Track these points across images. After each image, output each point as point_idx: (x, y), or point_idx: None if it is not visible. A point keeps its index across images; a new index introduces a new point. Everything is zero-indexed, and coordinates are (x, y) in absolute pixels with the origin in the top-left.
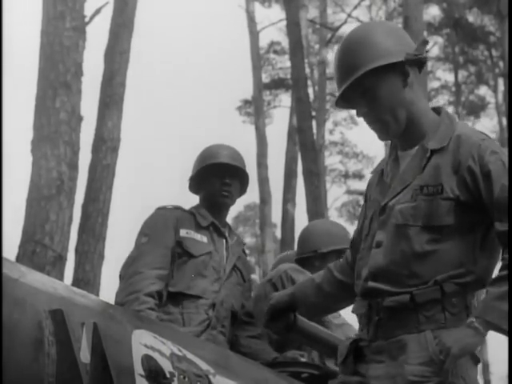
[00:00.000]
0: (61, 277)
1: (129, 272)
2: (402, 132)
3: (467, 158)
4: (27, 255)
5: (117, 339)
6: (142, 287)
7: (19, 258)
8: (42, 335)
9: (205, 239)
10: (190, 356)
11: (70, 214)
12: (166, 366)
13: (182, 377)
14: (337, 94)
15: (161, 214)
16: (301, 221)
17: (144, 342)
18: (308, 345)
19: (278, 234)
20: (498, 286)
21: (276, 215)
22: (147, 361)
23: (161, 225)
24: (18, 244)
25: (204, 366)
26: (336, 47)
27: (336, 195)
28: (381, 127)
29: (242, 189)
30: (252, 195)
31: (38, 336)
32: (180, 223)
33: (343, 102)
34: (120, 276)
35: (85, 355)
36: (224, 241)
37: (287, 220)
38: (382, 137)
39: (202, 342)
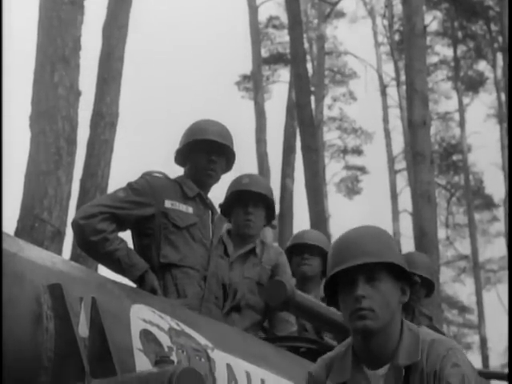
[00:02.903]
0: (59, 252)
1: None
2: (378, 330)
3: (432, 369)
4: (26, 230)
5: (115, 314)
6: (106, 227)
7: (18, 233)
8: (40, 310)
9: (190, 210)
10: (188, 330)
11: (68, 189)
12: (165, 340)
13: (180, 351)
14: (344, 266)
15: (146, 180)
16: (299, 196)
17: (142, 317)
18: (306, 319)
19: (277, 208)
20: None
21: (274, 190)
22: (145, 335)
23: (143, 190)
24: (17, 219)
25: (202, 340)
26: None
27: (334, 170)
28: (368, 315)
29: (228, 166)
30: (251, 170)
31: (36, 310)
32: (165, 193)
33: (338, 275)
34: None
35: (83, 330)
36: (210, 212)
37: (286, 195)
38: (363, 323)
39: (200, 317)
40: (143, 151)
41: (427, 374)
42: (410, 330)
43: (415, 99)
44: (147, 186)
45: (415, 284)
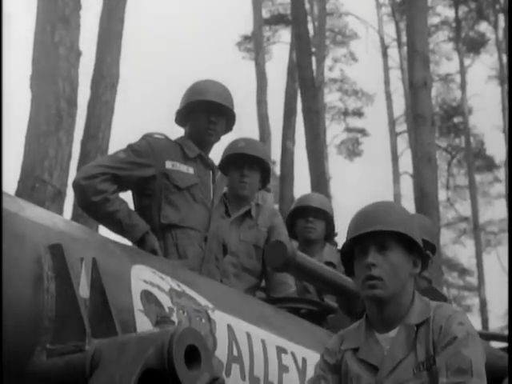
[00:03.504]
0: (60, 212)
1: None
2: (386, 299)
3: (438, 325)
4: (26, 191)
5: (116, 274)
6: (107, 187)
7: (18, 194)
8: (41, 270)
9: (191, 171)
10: (188, 291)
11: (69, 150)
12: (165, 301)
13: (181, 312)
14: (357, 233)
15: (147, 141)
16: (300, 158)
17: (143, 278)
18: (306, 280)
19: (278, 171)
20: None
21: (275, 152)
22: (146, 296)
23: (143, 151)
24: (18, 179)
25: (203, 301)
26: None
27: (335, 133)
28: (377, 284)
29: (228, 127)
30: (251, 132)
31: (37, 271)
32: (166, 154)
33: (354, 243)
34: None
35: (84, 290)
36: (211, 172)
37: (286, 157)
38: (372, 292)
39: (201, 278)
40: (144, 113)
41: (433, 329)
42: (420, 299)
43: (416, 60)
44: (148, 148)
45: (428, 258)
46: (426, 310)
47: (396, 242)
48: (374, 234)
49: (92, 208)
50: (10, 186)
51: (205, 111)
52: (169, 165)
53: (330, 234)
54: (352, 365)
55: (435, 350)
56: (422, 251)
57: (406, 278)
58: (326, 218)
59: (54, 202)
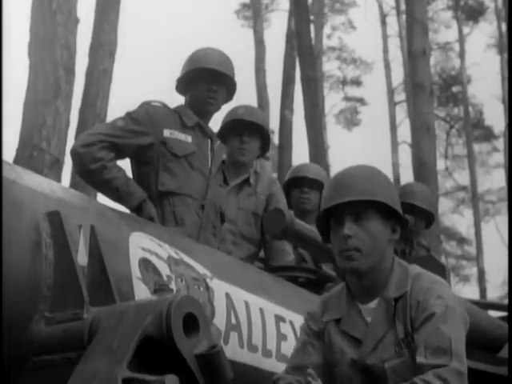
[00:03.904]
0: (58, 181)
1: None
2: (365, 270)
3: (416, 300)
4: (24, 159)
5: (114, 242)
6: (105, 155)
7: (16, 162)
8: (39, 237)
9: (189, 139)
10: (187, 259)
11: (67, 119)
12: (164, 269)
13: (179, 280)
14: (332, 203)
15: (145, 109)
16: (298, 127)
17: (141, 245)
18: (304, 248)
19: (276, 140)
20: None
21: (274, 121)
22: (144, 264)
23: (141, 119)
24: (16, 148)
25: (201, 269)
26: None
27: (333, 102)
28: (354, 255)
29: (229, 95)
30: (250, 101)
31: (35, 238)
32: (164, 123)
33: (329, 213)
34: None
35: (82, 258)
36: (209, 141)
37: (285, 126)
38: (349, 264)
39: (199, 246)
40: (143, 81)
41: (411, 304)
42: (400, 265)
43: (415, 28)
44: (146, 116)
45: (407, 223)
46: (405, 279)
47: (373, 210)
48: (350, 204)
49: (89, 175)
50: (8, 154)
51: (205, 79)
52: (167, 133)
53: None
54: (335, 337)
55: (413, 327)
56: (401, 216)
57: (385, 246)
58: (322, 188)
59: (52, 170)
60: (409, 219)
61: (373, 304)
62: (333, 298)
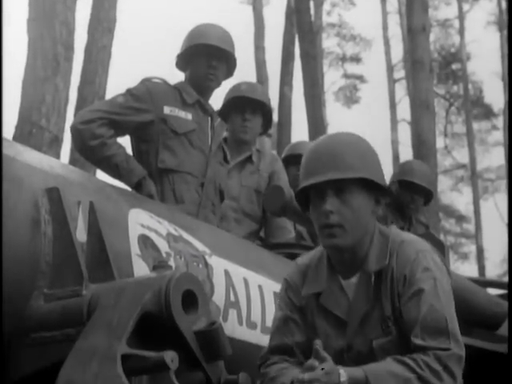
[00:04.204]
0: (57, 158)
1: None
2: (348, 247)
3: (402, 274)
4: (24, 136)
5: (113, 218)
6: (105, 132)
7: (15, 139)
8: (38, 214)
9: (189, 116)
10: (186, 236)
11: (66, 96)
12: (163, 245)
13: (178, 257)
14: (312, 180)
15: (145, 86)
16: (298, 104)
17: (140, 222)
18: (304, 225)
19: (275, 117)
20: (399, 364)
21: (273, 98)
22: (143, 241)
23: (142, 96)
24: (15, 125)
25: (200, 246)
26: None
27: (333, 79)
28: (337, 232)
29: (229, 71)
30: (249, 78)
31: (34, 215)
32: (164, 100)
33: (310, 188)
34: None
35: (81, 234)
36: (209, 118)
37: (284, 103)
38: (331, 241)
39: (198, 222)
40: (143, 58)
41: (397, 278)
42: (380, 234)
43: (415, 4)
44: (146, 92)
45: (391, 194)
46: (385, 250)
47: (354, 184)
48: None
49: (89, 152)
50: (7, 131)
51: (205, 55)
52: (167, 110)
53: None
54: (318, 319)
55: (400, 302)
56: (384, 188)
57: (369, 219)
58: None
59: (51, 147)
60: (392, 189)
61: (354, 279)
62: (312, 269)
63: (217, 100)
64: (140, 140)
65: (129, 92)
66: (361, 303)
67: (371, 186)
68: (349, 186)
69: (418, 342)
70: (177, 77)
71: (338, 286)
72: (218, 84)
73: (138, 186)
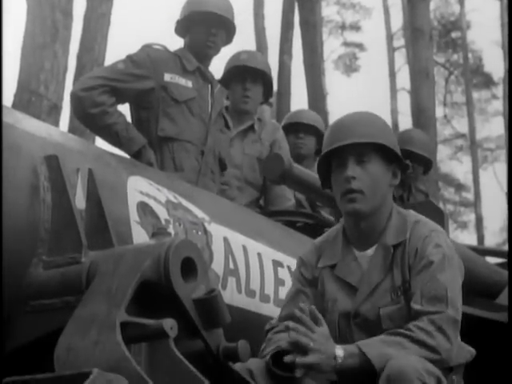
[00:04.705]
0: (56, 126)
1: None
2: (367, 213)
3: (414, 247)
4: (22, 104)
5: (112, 186)
6: (106, 100)
7: (14, 107)
8: (37, 181)
9: (189, 84)
10: (185, 203)
11: (64, 63)
12: (162, 213)
13: (177, 224)
14: (335, 145)
15: (146, 52)
16: (297, 73)
17: (139, 189)
18: (303, 193)
19: (275, 86)
20: (392, 335)
21: (272, 67)
22: (143, 208)
23: (142, 62)
24: (14, 93)
25: (199, 213)
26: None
27: (332, 47)
28: (357, 197)
29: (228, 38)
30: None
31: (33, 182)
32: (165, 66)
33: (330, 156)
34: None
35: (80, 202)
36: (209, 86)
37: (284, 72)
38: (352, 206)
39: (198, 190)
40: (142, 25)
41: (408, 252)
42: (398, 213)
43: None
44: (147, 59)
45: (407, 168)
46: (404, 227)
47: (375, 154)
48: (353, 146)
49: (89, 120)
50: (7, 99)
51: (205, 23)
52: (167, 77)
53: (321, 149)
54: (329, 284)
55: (410, 274)
56: (402, 161)
57: (386, 189)
58: (317, 133)
59: (50, 115)
60: (409, 165)
61: (370, 251)
62: (327, 243)
63: (214, 68)
64: (140, 108)
65: (129, 58)
66: (375, 274)
67: (389, 159)
68: (369, 154)
69: (416, 306)
70: (177, 43)
71: (353, 257)
72: (217, 51)
73: (137, 155)
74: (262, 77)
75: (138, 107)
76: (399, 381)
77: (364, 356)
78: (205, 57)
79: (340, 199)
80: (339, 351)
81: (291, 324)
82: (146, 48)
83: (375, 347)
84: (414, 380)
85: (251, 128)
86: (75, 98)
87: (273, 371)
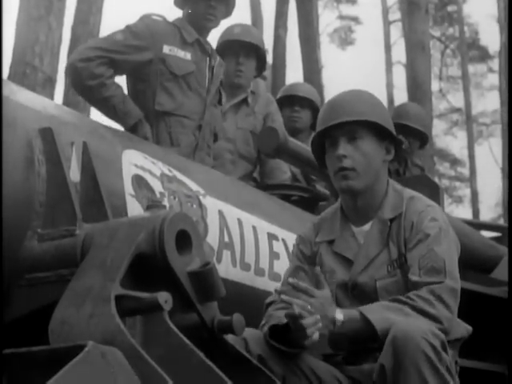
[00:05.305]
0: (51, 99)
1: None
2: (361, 190)
3: (410, 221)
4: (17, 77)
5: (107, 159)
6: (104, 72)
7: (9, 79)
8: (32, 154)
9: (188, 56)
10: (180, 177)
11: (59, 35)
12: (156, 186)
13: (172, 197)
14: (326, 125)
15: (145, 23)
16: (292, 46)
17: (134, 162)
18: (298, 166)
19: (270, 59)
20: (393, 302)
21: (268, 40)
22: (137, 181)
23: (141, 33)
24: (9, 65)
25: (194, 186)
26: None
27: (328, 20)
28: (350, 174)
29: (227, 11)
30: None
31: (28, 155)
32: (164, 38)
33: (324, 136)
34: None
35: (75, 174)
36: (207, 59)
37: (279, 45)
38: (345, 183)
39: (192, 163)
40: None
41: (404, 226)
42: (394, 189)
43: None
44: (146, 30)
45: (401, 143)
46: (400, 202)
47: (366, 131)
48: (343, 125)
49: (87, 92)
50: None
51: None
52: (166, 49)
53: (316, 123)
54: (327, 258)
55: (406, 248)
56: (395, 137)
57: (380, 165)
58: (313, 106)
59: (45, 88)
60: (403, 141)
61: (367, 226)
62: (326, 220)
63: (211, 41)
64: (137, 79)
65: (128, 29)
66: (371, 247)
67: (382, 135)
68: (360, 132)
69: (414, 278)
70: (174, 14)
71: (351, 233)
72: (217, 24)
73: (133, 129)
74: (256, 51)
75: (135, 79)
76: (405, 340)
77: (366, 320)
78: (204, 29)
79: (334, 177)
80: (339, 315)
81: (284, 297)
82: (146, 19)
83: (377, 312)
84: (420, 340)
85: (244, 101)
86: (73, 69)
87: (271, 344)
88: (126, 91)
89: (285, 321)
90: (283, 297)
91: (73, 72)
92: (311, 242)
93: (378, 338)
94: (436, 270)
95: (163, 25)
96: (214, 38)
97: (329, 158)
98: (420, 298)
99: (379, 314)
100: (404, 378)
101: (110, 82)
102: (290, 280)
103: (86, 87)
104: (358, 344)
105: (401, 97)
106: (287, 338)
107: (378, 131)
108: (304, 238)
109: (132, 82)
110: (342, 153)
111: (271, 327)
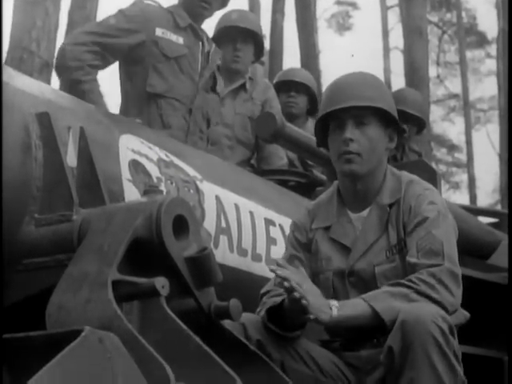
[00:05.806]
0: (48, 84)
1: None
2: (363, 175)
3: (408, 205)
4: (15, 62)
5: (104, 143)
6: (88, 58)
7: (7, 65)
8: (28, 139)
9: (181, 40)
10: (177, 162)
11: (56, 20)
12: (154, 171)
13: (169, 182)
14: (335, 107)
15: (139, 7)
16: (289, 32)
17: (131, 147)
18: (295, 152)
19: (267, 45)
20: (395, 287)
21: (265, 26)
22: (134, 166)
23: (134, 16)
24: (6, 50)
25: (191, 171)
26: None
27: (325, 6)
28: (354, 159)
29: (223, 2)
30: (240, 5)
31: (25, 140)
32: (157, 21)
33: (329, 117)
34: None
35: (71, 159)
36: (200, 44)
37: (276, 31)
38: (349, 167)
39: (189, 148)
40: None
41: (403, 210)
42: (392, 174)
43: None
44: (139, 13)
45: (404, 132)
46: (398, 186)
47: (374, 117)
48: (351, 109)
49: (63, 70)
50: None
51: None
52: (159, 32)
53: (312, 108)
54: (323, 245)
55: (405, 232)
56: (399, 125)
57: (383, 153)
58: (309, 92)
59: (42, 73)
60: (406, 130)
61: (365, 213)
62: (321, 206)
63: (208, 28)
64: (130, 62)
65: (121, 13)
66: (370, 233)
67: (386, 122)
68: (368, 118)
69: (412, 260)
70: (170, 2)
71: (347, 219)
72: (211, 13)
73: None
74: (253, 36)
75: (128, 62)
76: (415, 323)
77: (373, 311)
78: (198, 16)
79: (337, 159)
80: (333, 301)
81: (280, 272)
82: (139, 3)
83: (382, 300)
84: (430, 324)
85: (242, 87)
86: (61, 50)
87: (269, 329)
88: (118, 76)
89: (279, 300)
90: (279, 272)
91: (60, 53)
92: (306, 228)
93: (386, 328)
94: (434, 252)
95: (156, 9)
96: (210, 27)
97: (333, 141)
98: (423, 282)
99: (385, 302)
100: (412, 360)
101: (89, 70)
102: (280, 261)
103: (65, 67)
104: (361, 334)
105: (398, 82)
106: (283, 322)
107: (383, 118)
108: (299, 224)
109: (124, 64)
110: (349, 136)
111: (268, 309)
